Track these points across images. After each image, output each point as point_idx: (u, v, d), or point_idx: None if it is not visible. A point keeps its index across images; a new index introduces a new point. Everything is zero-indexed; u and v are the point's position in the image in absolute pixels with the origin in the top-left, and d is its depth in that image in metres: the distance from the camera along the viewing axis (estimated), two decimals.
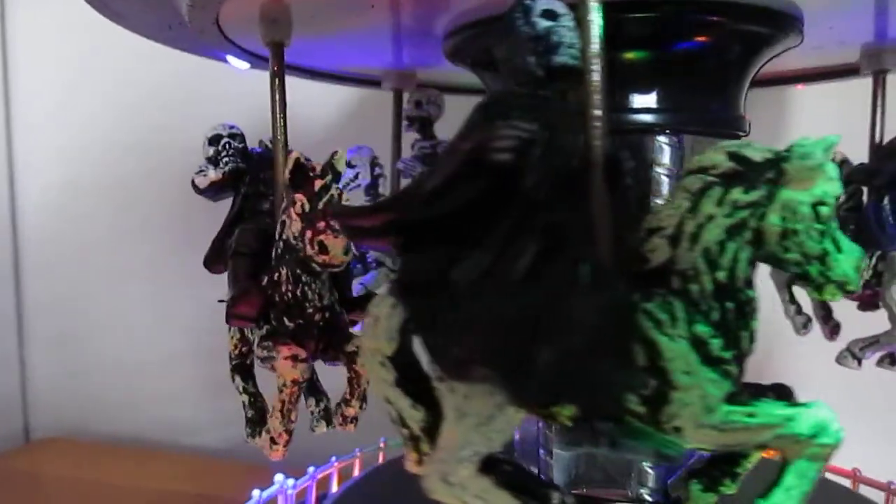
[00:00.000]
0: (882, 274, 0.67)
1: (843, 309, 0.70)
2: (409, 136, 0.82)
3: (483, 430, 0.39)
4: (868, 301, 0.70)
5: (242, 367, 0.62)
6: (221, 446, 1.23)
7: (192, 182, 0.62)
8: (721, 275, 0.37)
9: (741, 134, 0.56)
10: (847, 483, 0.77)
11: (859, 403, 0.77)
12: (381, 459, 0.86)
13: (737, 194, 0.37)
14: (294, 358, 0.51)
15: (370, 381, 0.43)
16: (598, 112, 0.37)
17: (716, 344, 0.37)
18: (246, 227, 0.59)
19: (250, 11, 0.52)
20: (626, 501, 0.56)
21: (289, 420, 0.52)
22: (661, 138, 0.53)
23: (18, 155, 1.34)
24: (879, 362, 0.71)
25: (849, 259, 0.37)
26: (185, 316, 1.22)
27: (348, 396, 0.56)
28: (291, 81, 0.57)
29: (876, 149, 0.70)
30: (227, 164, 0.62)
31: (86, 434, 1.31)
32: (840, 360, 0.71)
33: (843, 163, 0.68)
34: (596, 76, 0.37)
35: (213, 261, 0.62)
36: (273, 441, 0.53)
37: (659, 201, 0.52)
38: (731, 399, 0.37)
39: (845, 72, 0.75)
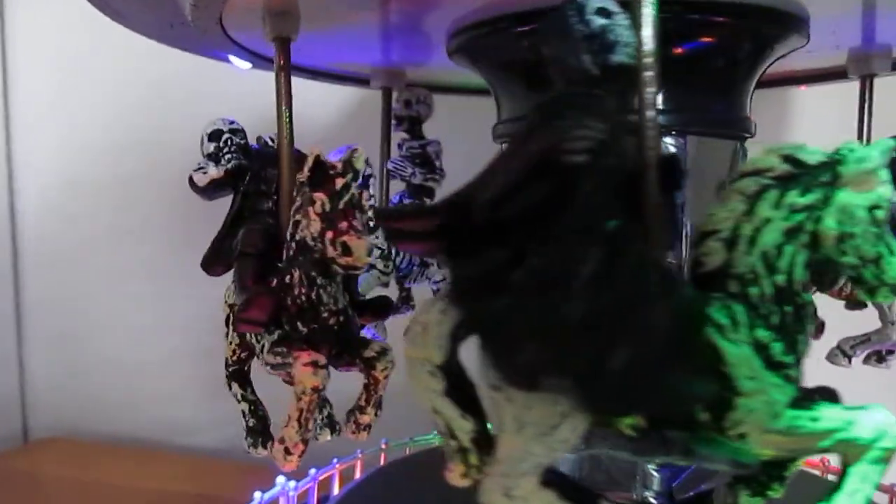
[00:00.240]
0: None
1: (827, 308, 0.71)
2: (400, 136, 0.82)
3: (546, 440, 0.38)
4: (856, 300, 0.70)
5: (240, 374, 0.60)
6: (221, 446, 1.22)
7: (190, 179, 0.59)
8: (780, 278, 0.37)
9: (747, 135, 0.56)
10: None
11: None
12: (382, 461, 0.86)
13: (793, 197, 0.36)
14: (314, 364, 0.48)
15: (416, 391, 0.41)
16: (652, 113, 0.37)
17: (777, 348, 0.37)
18: (252, 228, 0.57)
19: (254, 10, 0.51)
20: None
21: (306, 429, 0.50)
22: (667, 139, 0.52)
23: (17, 154, 1.33)
24: (866, 360, 0.72)
25: None
26: (185, 316, 1.21)
27: (363, 403, 0.53)
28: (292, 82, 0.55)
29: None
30: (229, 161, 0.59)
31: (85, 434, 1.31)
32: (831, 358, 0.72)
33: None
34: (650, 75, 0.37)
35: (213, 262, 0.60)
36: (287, 451, 0.50)
37: None
38: (795, 404, 0.37)
39: (835, 74, 0.76)
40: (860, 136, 0.71)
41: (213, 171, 0.59)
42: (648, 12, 0.36)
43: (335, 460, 0.79)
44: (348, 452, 0.81)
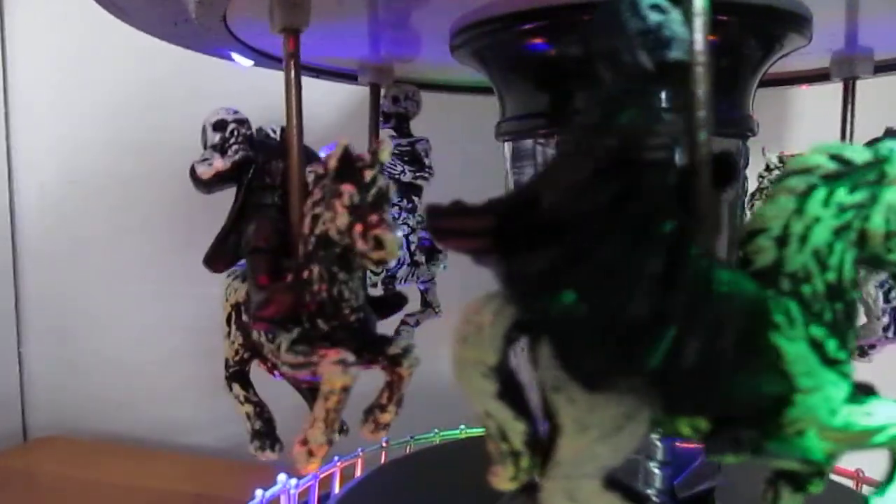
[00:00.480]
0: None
1: None
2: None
3: (610, 442, 0.37)
4: None
5: (241, 375, 0.58)
6: (221, 445, 1.22)
7: (192, 171, 0.56)
8: (831, 276, 0.37)
9: (749, 134, 0.56)
10: (850, 484, 0.77)
11: None
12: (383, 459, 0.86)
13: (841, 196, 0.37)
14: (343, 362, 0.47)
15: (467, 393, 0.39)
16: (704, 112, 0.37)
17: (831, 345, 0.37)
18: (263, 222, 0.55)
19: (260, 3, 0.51)
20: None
21: (332, 430, 0.48)
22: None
23: (17, 152, 1.33)
24: None
25: None
26: (185, 314, 1.21)
27: (385, 401, 0.51)
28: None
29: None
30: (236, 152, 0.56)
31: (84, 433, 1.31)
32: None
33: None
34: (702, 73, 0.36)
35: (216, 259, 0.58)
36: (311, 454, 0.48)
37: None
38: (850, 399, 0.37)
39: (818, 77, 0.77)
40: (843, 137, 0.73)
41: (219, 163, 0.56)
42: (700, 8, 0.36)
43: (336, 458, 0.79)
44: (349, 451, 0.81)
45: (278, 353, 0.51)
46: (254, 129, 0.59)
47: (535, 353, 0.38)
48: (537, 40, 0.54)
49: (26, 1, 1.29)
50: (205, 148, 0.57)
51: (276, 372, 0.56)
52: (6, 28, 1.31)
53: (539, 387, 0.39)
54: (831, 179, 0.37)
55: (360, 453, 0.82)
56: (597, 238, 0.35)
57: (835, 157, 0.37)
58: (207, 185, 0.57)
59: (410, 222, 0.79)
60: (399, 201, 0.79)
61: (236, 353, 0.56)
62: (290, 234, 0.52)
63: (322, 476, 0.76)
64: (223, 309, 0.57)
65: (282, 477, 0.71)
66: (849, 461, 0.74)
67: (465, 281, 0.91)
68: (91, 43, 1.20)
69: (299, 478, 0.72)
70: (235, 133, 0.56)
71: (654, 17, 0.35)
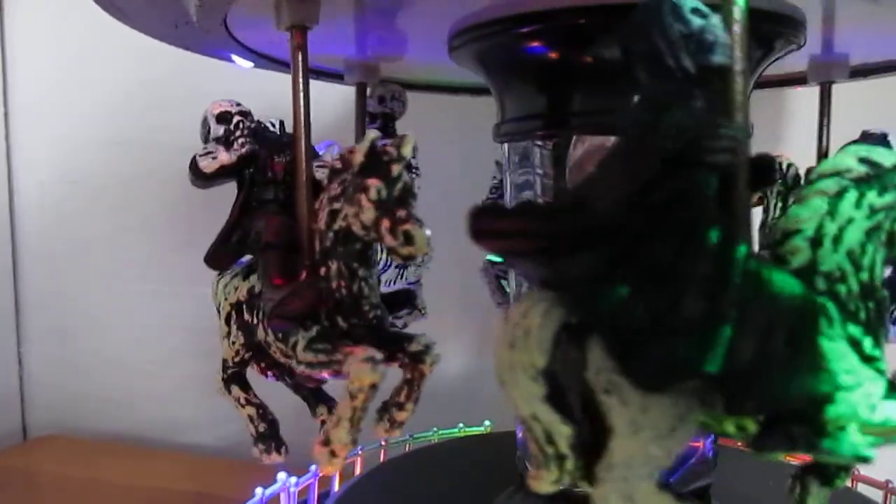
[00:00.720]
0: None
1: None
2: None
3: (664, 443, 0.38)
4: None
5: (240, 376, 0.57)
6: (220, 444, 1.23)
7: (194, 165, 0.54)
8: (864, 276, 0.38)
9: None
10: (846, 482, 0.77)
11: None
12: (382, 458, 0.86)
13: (872, 197, 0.38)
14: (371, 360, 0.45)
15: (513, 396, 0.39)
16: (742, 116, 0.37)
17: (867, 343, 0.38)
18: (272, 218, 0.53)
19: (259, 9, 0.51)
20: None
21: (357, 430, 0.46)
22: None
23: (17, 151, 1.33)
24: None
25: None
26: (184, 314, 1.22)
27: (403, 399, 0.49)
28: (287, 81, 0.52)
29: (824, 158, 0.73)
30: (242, 145, 0.54)
31: (84, 432, 1.31)
32: None
33: (789, 166, 0.69)
34: (741, 77, 0.37)
35: (218, 256, 0.57)
36: (333, 454, 0.46)
37: None
38: (888, 396, 0.38)
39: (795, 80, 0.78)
40: (820, 141, 0.74)
41: (224, 157, 0.54)
42: (739, 13, 0.36)
43: None
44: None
45: (292, 353, 0.49)
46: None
47: (585, 355, 0.38)
48: (536, 43, 0.54)
49: (26, 1, 1.30)
50: (205, 140, 0.56)
51: (269, 373, 0.56)
52: (6, 28, 1.31)
53: (578, 389, 0.39)
54: (862, 182, 0.38)
55: (360, 452, 0.82)
56: (647, 238, 0.35)
57: (863, 161, 0.38)
58: (208, 180, 0.55)
59: None
60: None
61: (237, 353, 0.55)
62: (297, 229, 0.51)
63: (322, 474, 0.76)
64: (221, 308, 0.56)
65: (281, 475, 0.71)
66: (879, 471, 0.74)
67: (465, 281, 0.92)
68: (91, 43, 1.20)
69: (299, 476, 0.72)
70: (241, 126, 0.55)
71: (696, 21, 0.36)
